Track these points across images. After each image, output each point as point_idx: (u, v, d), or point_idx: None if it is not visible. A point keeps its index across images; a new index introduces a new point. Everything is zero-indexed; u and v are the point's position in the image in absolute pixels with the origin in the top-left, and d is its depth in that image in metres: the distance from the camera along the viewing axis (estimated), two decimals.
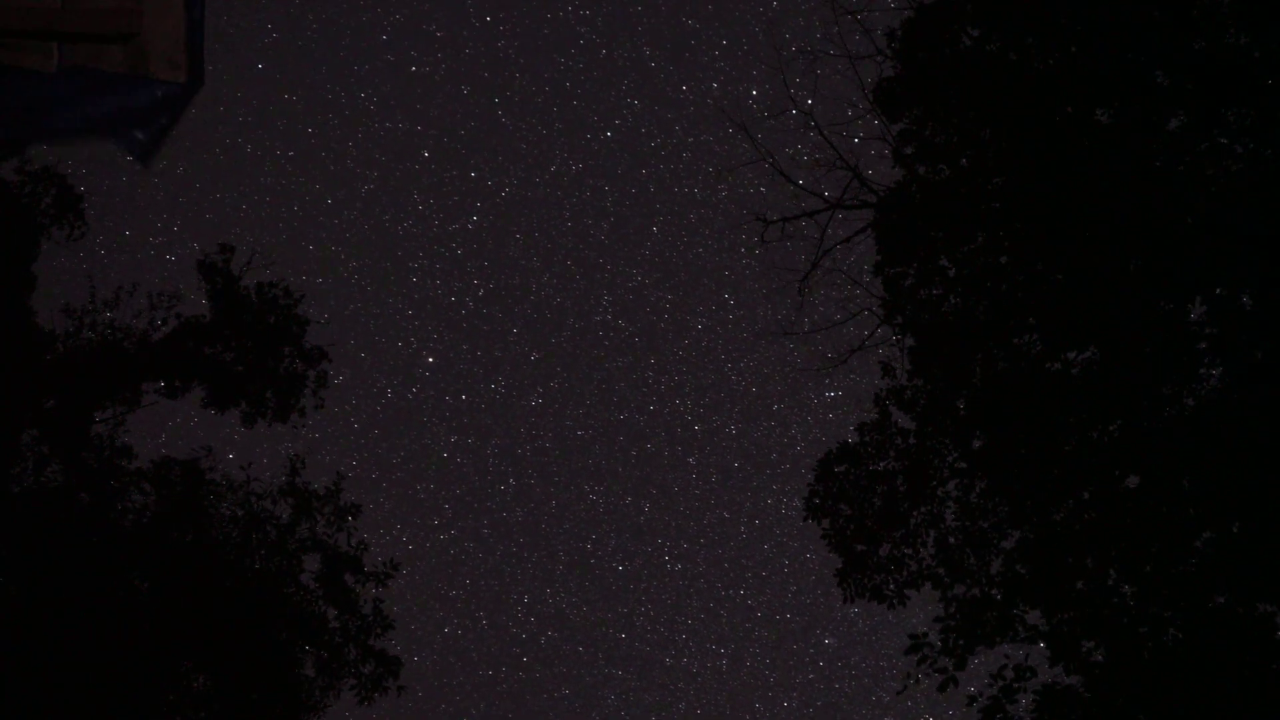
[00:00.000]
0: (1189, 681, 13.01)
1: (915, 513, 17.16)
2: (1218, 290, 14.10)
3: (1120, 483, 14.68)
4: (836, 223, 17.79)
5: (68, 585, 17.65)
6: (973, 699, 14.22)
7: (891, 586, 17.64)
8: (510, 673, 36.81)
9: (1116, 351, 14.53)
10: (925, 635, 14.68)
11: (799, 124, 17.74)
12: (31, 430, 18.97)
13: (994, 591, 15.71)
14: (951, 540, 16.65)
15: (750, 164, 18.07)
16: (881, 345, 17.39)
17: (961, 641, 15.00)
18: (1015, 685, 13.98)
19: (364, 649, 20.46)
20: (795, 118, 17.75)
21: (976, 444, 15.92)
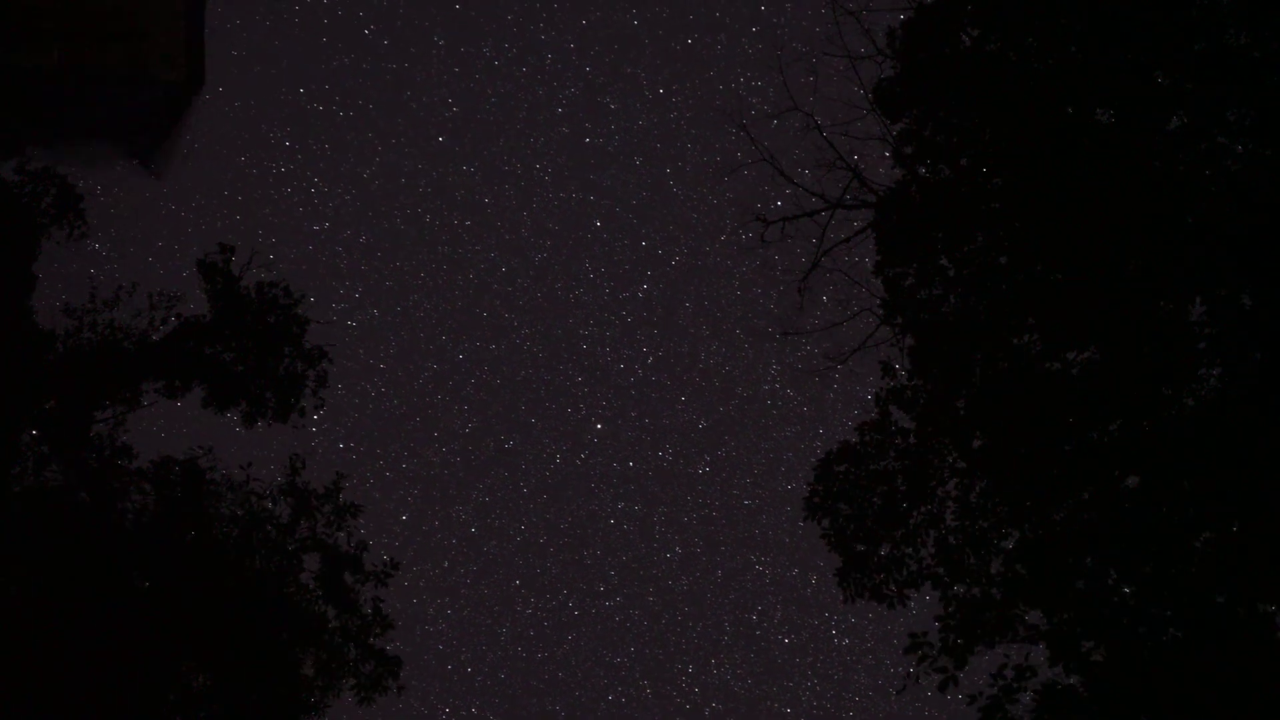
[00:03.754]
0: (1189, 681, 13.01)
1: (915, 513, 17.16)
2: (1218, 290, 14.10)
3: (1120, 483, 14.68)
4: (836, 223, 17.81)
5: (68, 585, 17.64)
6: (973, 698, 14.23)
7: (891, 586, 17.65)
8: None
9: (1116, 351, 14.53)
10: (925, 635, 14.70)
11: (799, 124, 17.78)
12: (31, 430, 18.96)
13: (994, 591, 15.71)
14: (951, 540, 16.65)
15: (751, 164, 18.10)
16: (881, 345, 17.41)
17: (961, 641, 15.00)
18: (1015, 685, 13.98)
19: (363, 648, 20.47)
20: (795, 117, 17.79)
21: (976, 444, 15.92)
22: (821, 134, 17.47)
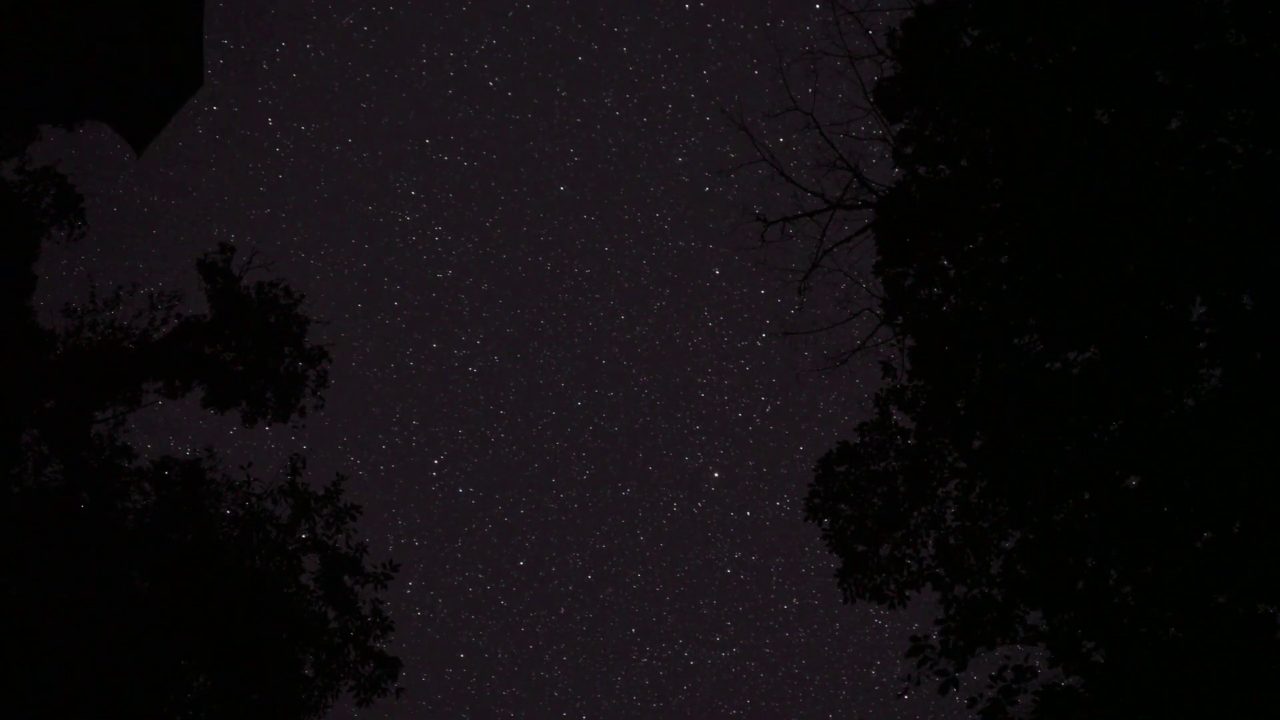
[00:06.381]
0: (1189, 681, 13.00)
1: (915, 513, 17.16)
2: (1218, 290, 14.09)
3: (1120, 483, 14.67)
4: (836, 223, 17.82)
5: (68, 585, 17.64)
6: (973, 700, 14.22)
7: (892, 587, 17.65)
8: None
9: (1116, 351, 14.52)
10: (926, 637, 14.69)
11: (799, 124, 17.79)
12: (31, 430, 18.96)
13: (994, 591, 15.70)
14: (951, 540, 16.64)
15: (750, 164, 18.12)
16: (881, 345, 17.42)
17: (962, 642, 14.99)
18: (1015, 686, 13.97)
19: (363, 650, 20.44)
20: (795, 117, 17.80)
21: (976, 444, 15.91)
22: (822, 134, 17.48)
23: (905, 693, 15.29)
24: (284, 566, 19.97)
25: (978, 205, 15.63)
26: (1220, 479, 13.45)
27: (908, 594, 17.73)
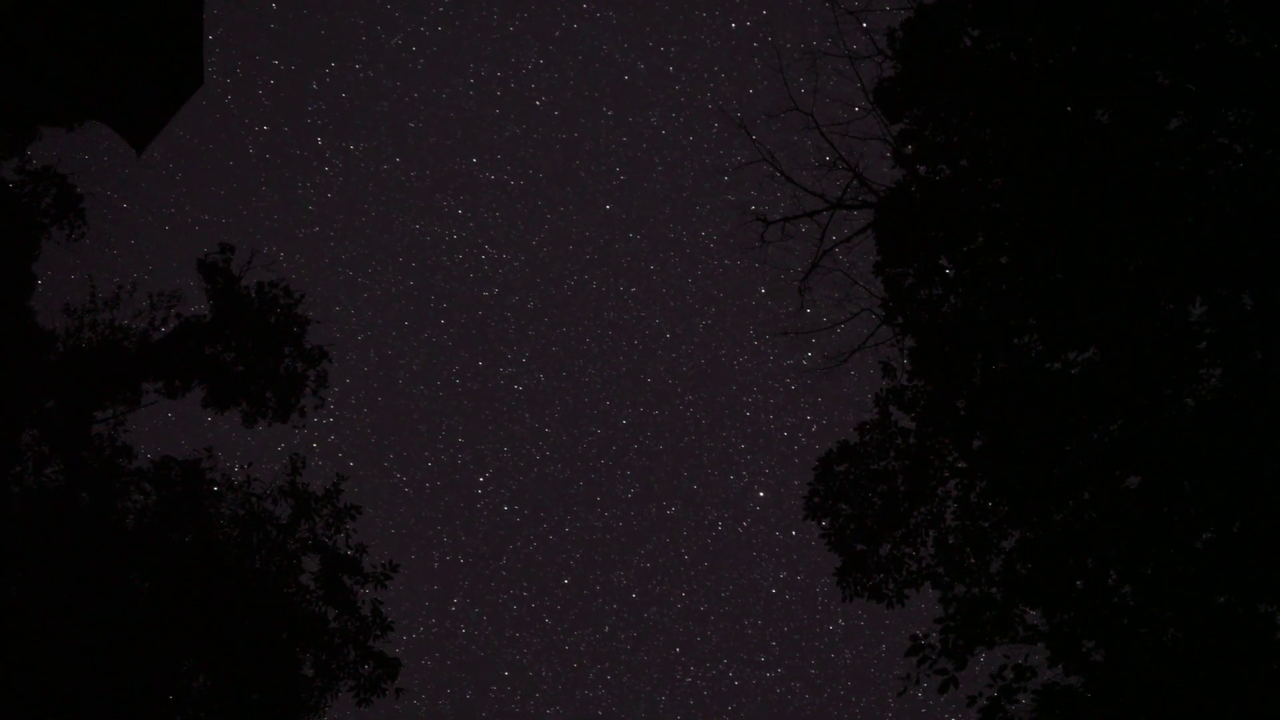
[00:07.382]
0: (1189, 681, 13.00)
1: (915, 513, 17.17)
2: (1218, 290, 14.10)
3: (1120, 483, 14.67)
4: (836, 223, 17.82)
5: (68, 585, 17.64)
6: (972, 700, 14.21)
7: (891, 586, 17.66)
8: None
9: (1116, 351, 14.53)
10: (926, 636, 14.68)
11: (799, 124, 17.79)
12: (31, 430, 18.97)
13: (994, 591, 15.70)
14: (951, 540, 16.65)
15: (750, 164, 18.12)
16: (881, 345, 17.42)
17: (961, 642, 14.99)
18: (1015, 685, 13.96)
19: (363, 650, 20.43)
20: (795, 117, 17.80)
21: (976, 444, 15.92)
22: (822, 134, 17.48)
23: (903, 693, 15.28)
24: (284, 566, 19.97)
25: (978, 205, 15.63)
26: (1220, 479, 13.45)
27: (907, 593, 17.74)
